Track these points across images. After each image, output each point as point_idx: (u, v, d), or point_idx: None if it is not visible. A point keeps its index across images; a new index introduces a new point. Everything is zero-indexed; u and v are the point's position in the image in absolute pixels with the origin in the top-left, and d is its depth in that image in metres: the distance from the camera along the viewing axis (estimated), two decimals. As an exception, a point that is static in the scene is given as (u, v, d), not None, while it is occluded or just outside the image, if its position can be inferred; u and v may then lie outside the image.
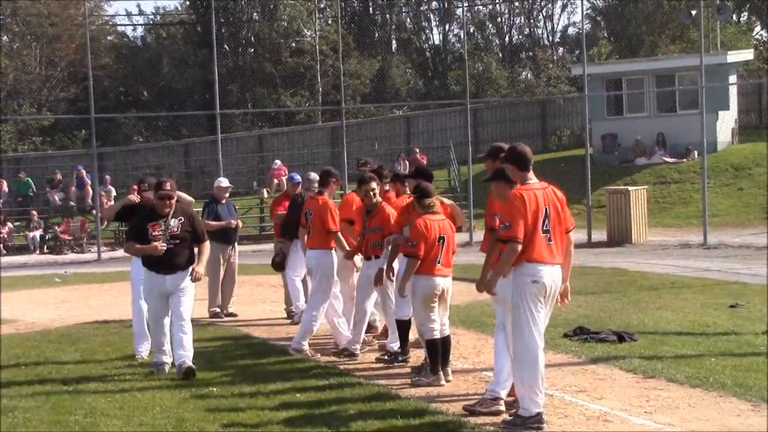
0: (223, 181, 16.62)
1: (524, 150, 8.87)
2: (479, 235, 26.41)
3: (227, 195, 16.52)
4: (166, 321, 11.31)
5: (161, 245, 11.06)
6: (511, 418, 8.74)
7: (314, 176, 14.67)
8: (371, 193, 11.94)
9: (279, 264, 15.01)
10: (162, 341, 11.34)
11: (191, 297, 11.35)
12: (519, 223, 8.45)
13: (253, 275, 20.35)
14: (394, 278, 11.53)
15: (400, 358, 11.63)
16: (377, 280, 11.72)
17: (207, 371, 11.16)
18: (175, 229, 11.18)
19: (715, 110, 33.82)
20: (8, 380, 11.19)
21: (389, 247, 11.62)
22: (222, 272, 16.19)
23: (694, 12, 34.07)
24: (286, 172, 36.64)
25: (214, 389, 10.29)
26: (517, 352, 8.70)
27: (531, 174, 8.81)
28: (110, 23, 58.68)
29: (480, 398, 9.36)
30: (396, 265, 11.59)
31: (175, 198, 11.29)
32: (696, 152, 33.62)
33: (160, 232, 11.13)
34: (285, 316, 15.52)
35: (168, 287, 11.17)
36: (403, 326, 11.49)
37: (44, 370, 11.79)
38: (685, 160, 35.39)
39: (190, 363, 11.01)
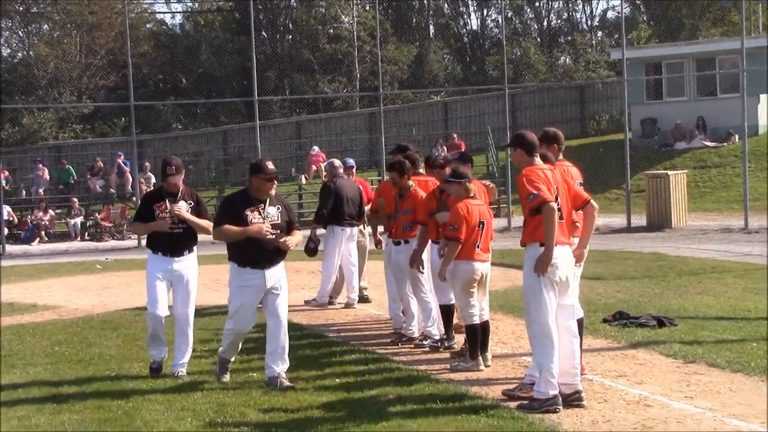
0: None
1: (531, 136, 9.10)
2: (517, 221, 26.40)
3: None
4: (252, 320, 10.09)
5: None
6: (527, 401, 8.79)
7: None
8: (393, 181, 12.22)
9: (313, 250, 15.00)
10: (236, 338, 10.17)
11: (286, 298, 10.13)
12: (542, 188, 8.57)
13: (292, 261, 20.38)
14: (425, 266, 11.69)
15: (446, 344, 11.67)
16: (413, 262, 11.74)
17: (246, 355, 11.22)
18: (276, 218, 9.89)
19: (756, 94, 33.44)
20: (52, 365, 11.33)
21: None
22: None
23: (735, -6, 33.76)
24: (324, 159, 36.79)
25: (254, 374, 10.35)
26: (533, 334, 8.81)
27: (538, 159, 9.02)
28: (149, 11, 58.98)
29: (519, 383, 9.37)
30: (425, 254, 11.71)
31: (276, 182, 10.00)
32: (737, 136, 33.33)
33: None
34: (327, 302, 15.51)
35: (267, 284, 9.84)
36: (447, 311, 11.55)
37: (87, 355, 11.91)
38: (725, 144, 35.08)
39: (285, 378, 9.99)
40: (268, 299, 9.87)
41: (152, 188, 32.64)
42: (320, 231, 15.24)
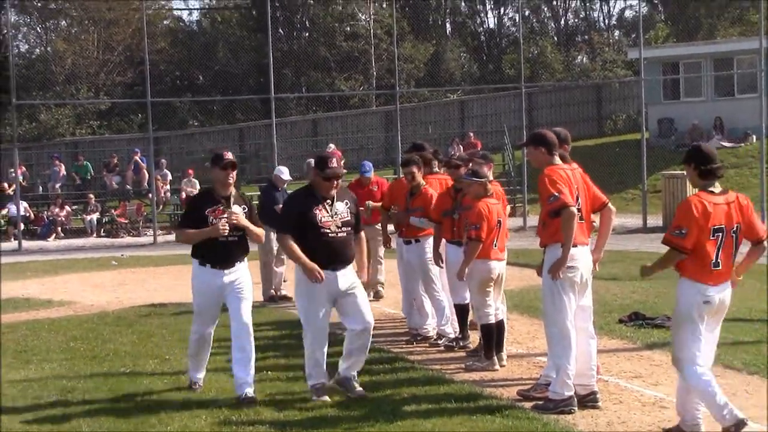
0: (284, 173, 16.51)
1: (551, 135, 9.00)
2: (532, 220, 26.33)
3: (285, 186, 16.52)
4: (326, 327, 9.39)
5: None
6: (542, 402, 8.77)
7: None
8: (409, 176, 12.09)
9: None
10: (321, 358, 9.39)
11: (365, 296, 9.46)
12: (564, 191, 8.51)
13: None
14: (443, 264, 11.66)
15: (461, 343, 11.67)
16: (436, 260, 11.75)
17: (261, 353, 11.22)
18: (345, 215, 9.27)
19: (774, 94, 33.33)
20: (67, 360, 11.37)
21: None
22: (274, 255, 16.25)
23: (753, -6, 33.63)
24: (341, 156, 36.80)
25: (269, 372, 10.36)
26: (551, 335, 8.80)
27: (557, 158, 8.92)
28: (166, 8, 59.04)
29: (534, 383, 9.35)
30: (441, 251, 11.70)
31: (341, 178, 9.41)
32: (754, 137, 33.18)
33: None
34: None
35: (340, 287, 9.18)
36: (462, 311, 11.55)
37: (102, 351, 11.94)
38: (743, 144, 34.93)
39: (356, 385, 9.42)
40: (345, 304, 9.30)
41: (197, 190, 32.63)
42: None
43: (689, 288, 7.70)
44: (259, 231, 9.76)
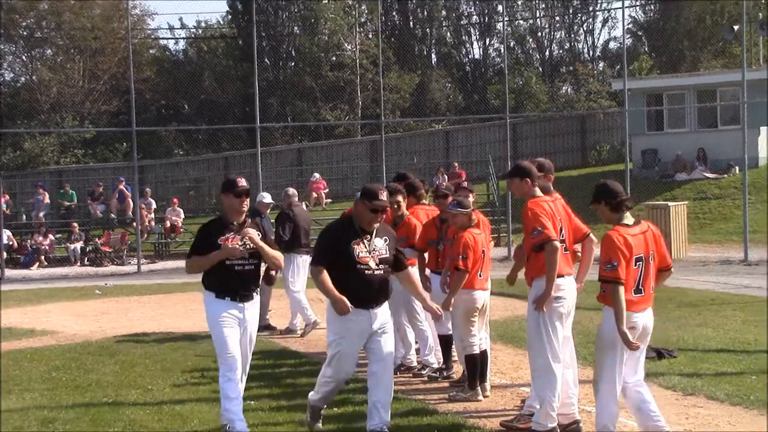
0: (266, 197, 16.61)
1: (531, 165, 9.11)
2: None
3: (268, 211, 16.59)
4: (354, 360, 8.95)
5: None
6: None
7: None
8: (395, 206, 11.91)
9: (272, 278, 14.85)
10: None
11: (392, 337, 9.01)
12: (547, 225, 8.57)
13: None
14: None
15: (445, 373, 11.65)
16: (424, 284, 11.57)
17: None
18: (384, 252, 8.73)
19: (756, 126, 33.56)
20: (49, 391, 11.30)
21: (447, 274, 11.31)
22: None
23: (736, 27, 33.89)
24: (325, 186, 36.87)
25: (252, 402, 10.31)
26: (537, 367, 8.81)
27: (538, 189, 9.01)
28: (152, 37, 59.16)
29: (517, 414, 9.34)
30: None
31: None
32: (737, 168, 33.38)
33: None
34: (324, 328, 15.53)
35: (374, 326, 8.68)
36: (446, 341, 11.52)
37: (84, 381, 11.88)
38: (725, 175, 35.12)
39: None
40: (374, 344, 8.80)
41: (181, 219, 32.42)
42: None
43: (611, 316, 7.96)
44: (278, 254, 9.16)
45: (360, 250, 8.57)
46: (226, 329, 8.77)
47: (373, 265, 8.57)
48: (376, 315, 8.64)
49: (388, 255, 8.72)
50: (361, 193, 8.79)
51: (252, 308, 8.96)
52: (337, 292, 8.45)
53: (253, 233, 8.84)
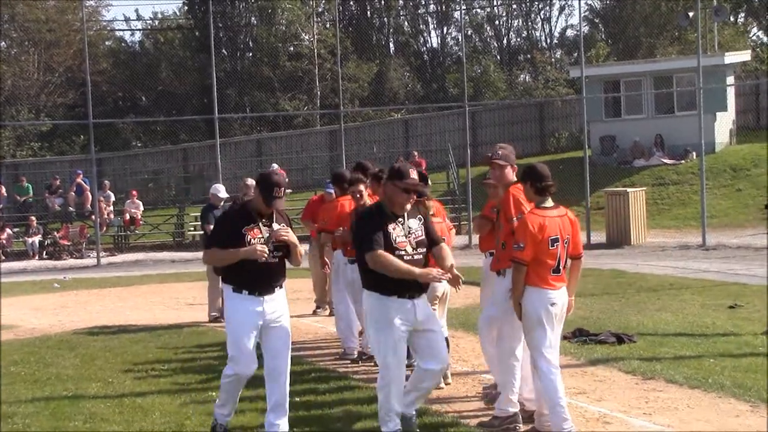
0: (221, 191, 16.62)
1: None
2: (477, 239, 26.42)
3: (222, 203, 16.51)
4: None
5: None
6: (488, 419, 8.80)
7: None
8: (357, 195, 11.88)
9: None
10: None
11: (441, 332, 8.73)
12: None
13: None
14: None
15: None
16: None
17: (206, 375, 11.14)
18: (419, 233, 8.31)
19: (713, 111, 33.81)
20: (7, 386, 11.20)
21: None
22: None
23: (691, 14, 34.12)
24: (285, 176, 36.73)
25: (214, 393, 10.27)
26: (502, 351, 8.83)
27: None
28: (108, 28, 58.70)
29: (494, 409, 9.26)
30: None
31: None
32: (694, 153, 33.61)
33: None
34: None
35: (418, 317, 8.19)
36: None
37: (43, 375, 11.79)
38: (683, 161, 35.38)
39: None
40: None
41: (140, 211, 32.24)
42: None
43: (535, 295, 8.28)
44: (301, 251, 8.70)
45: (396, 234, 8.14)
46: (238, 326, 8.40)
47: (410, 250, 8.15)
48: (418, 305, 8.21)
49: (423, 237, 8.27)
50: (389, 174, 8.38)
51: (273, 302, 8.43)
52: (415, 268, 8.02)
53: (284, 232, 8.44)
